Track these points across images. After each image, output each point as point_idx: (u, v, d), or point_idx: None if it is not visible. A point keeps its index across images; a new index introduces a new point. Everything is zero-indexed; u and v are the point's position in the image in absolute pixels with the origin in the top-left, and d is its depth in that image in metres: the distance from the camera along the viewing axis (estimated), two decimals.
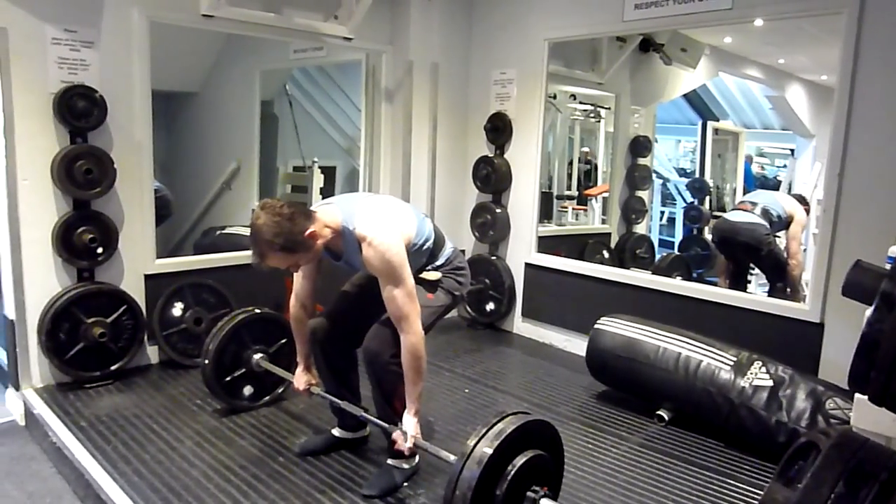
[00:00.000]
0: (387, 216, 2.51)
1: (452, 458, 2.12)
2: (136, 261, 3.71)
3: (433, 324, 2.65)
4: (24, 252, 3.37)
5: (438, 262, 2.70)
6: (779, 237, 5.13)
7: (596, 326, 3.64)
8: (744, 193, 7.38)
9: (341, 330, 2.73)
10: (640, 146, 6.21)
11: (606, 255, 5.88)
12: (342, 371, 2.81)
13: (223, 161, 6.14)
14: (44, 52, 3.28)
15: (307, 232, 2.36)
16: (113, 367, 3.56)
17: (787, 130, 7.80)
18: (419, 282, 2.57)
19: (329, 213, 2.48)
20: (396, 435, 2.47)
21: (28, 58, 3.24)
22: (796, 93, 7.00)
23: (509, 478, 1.96)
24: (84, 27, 3.38)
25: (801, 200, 5.34)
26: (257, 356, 3.22)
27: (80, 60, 3.38)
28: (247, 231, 4.83)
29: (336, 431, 2.95)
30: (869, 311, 1.15)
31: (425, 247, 2.63)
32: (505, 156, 4.88)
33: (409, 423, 2.46)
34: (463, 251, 5.02)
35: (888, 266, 1.47)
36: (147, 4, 3.57)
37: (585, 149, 6.71)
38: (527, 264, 4.82)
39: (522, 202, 4.82)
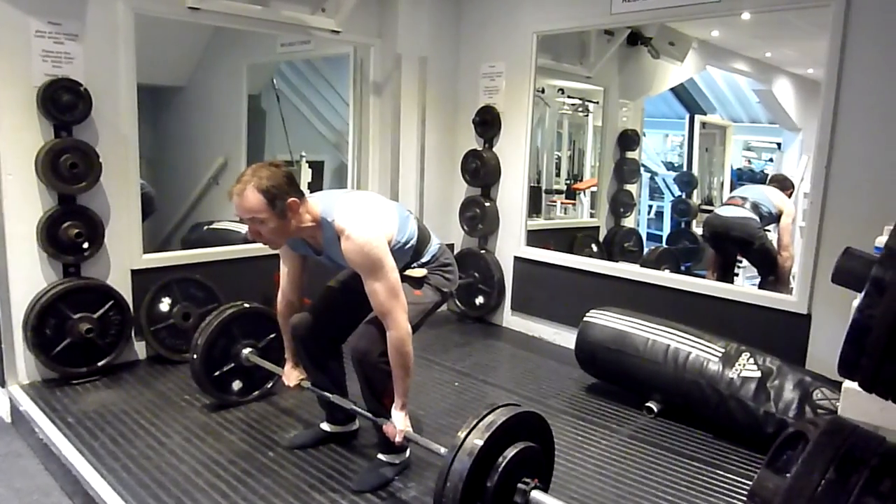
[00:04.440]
0: (366, 211, 2.49)
1: (443, 450, 2.12)
2: (123, 256, 3.68)
3: (422, 321, 2.63)
4: (9, 247, 3.33)
5: (424, 260, 2.68)
6: (769, 231, 5.17)
7: (585, 319, 3.65)
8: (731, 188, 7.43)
9: (324, 325, 2.71)
10: (629, 140, 6.23)
11: (595, 248, 5.90)
12: (326, 366, 2.79)
13: (210, 156, 6.10)
14: (27, 44, 3.24)
15: (291, 199, 2.35)
16: (100, 363, 3.53)
17: (773, 124, 7.84)
18: (405, 279, 2.55)
19: (311, 202, 2.47)
20: (387, 427, 2.46)
21: (11, 50, 3.20)
22: (783, 86, 7.04)
23: (500, 469, 1.96)
24: (68, 20, 3.34)
25: (785, 182, 5.38)
26: (246, 351, 3.20)
27: (65, 53, 3.34)
28: (235, 226, 4.81)
29: (325, 426, 2.94)
30: (858, 298, 1.15)
31: (408, 246, 2.60)
32: (494, 149, 4.88)
33: (398, 417, 2.46)
34: (452, 245, 5.06)
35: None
36: None
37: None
38: (516, 258, 4.82)
39: (511, 196, 4.82)
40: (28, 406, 3.20)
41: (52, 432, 2.95)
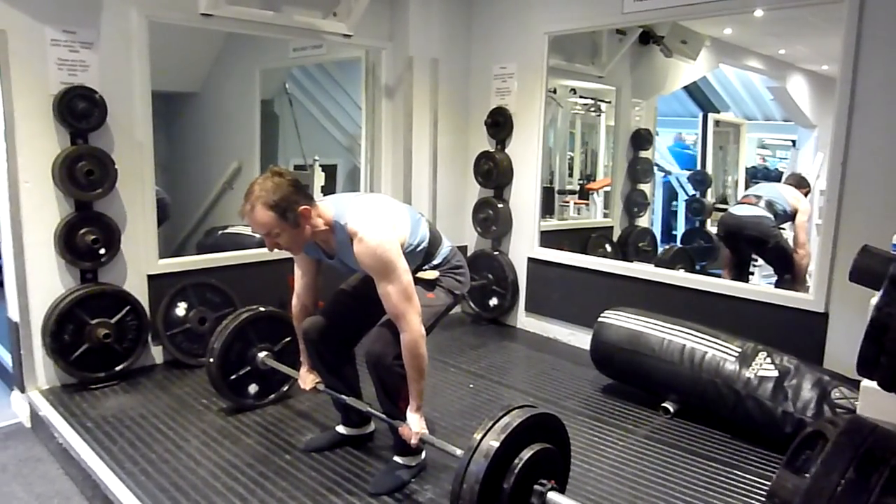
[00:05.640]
0: (379, 213, 2.49)
1: (459, 452, 2.12)
2: (139, 261, 3.71)
3: (434, 324, 2.63)
4: (27, 254, 3.36)
5: (435, 262, 2.68)
6: (783, 229, 5.13)
7: (600, 320, 3.63)
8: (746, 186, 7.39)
9: (335, 329, 2.72)
10: (642, 139, 6.20)
11: (609, 248, 5.88)
12: (338, 370, 2.80)
13: (224, 161, 6.14)
14: (43, 53, 3.28)
15: (302, 207, 2.35)
16: (118, 368, 3.56)
17: (788, 121, 7.79)
18: (417, 281, 2.55)
19: (322, 206, 2.48)
20: (403, 429, 2.46)
21: (28, 60, 3.24)
22: (797, 83, 6.99)
23: (516, 471, 1.95)
24: (83, 28, 3.38)
25: (802, 182, 5.34)
26: (262, 354, 3.21)
27: (80, 61, 3.38)
28: (249, 231, 4.85)
29: (341, 428, 2.95)
30: (877, 296, 1.14)
31: (420, 248, 2.60)
32: (506, 151, 4.87)
33: (413, 419, 2.46)
34: (465, 247, 5.06)
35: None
36: (146, 4, 3.56)
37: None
38: (530, 259, 4.81)
39: (524, 197, 4.81)
40: (47, 411, 3.24)
41: (71, 437, 2.98)
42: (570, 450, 2.27)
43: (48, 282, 3.43)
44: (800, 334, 3.38)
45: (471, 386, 3.73)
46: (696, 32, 5.78)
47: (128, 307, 3.58)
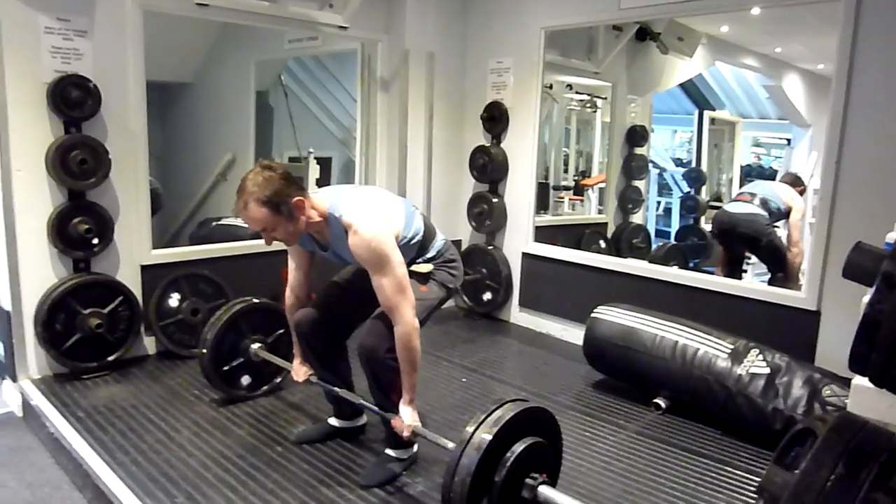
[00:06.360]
0: (374, 206, 2.49)
1: (451, 445, 2.12)
2: (132, 251, 3.70)
3: (427, 317, 2.63)
4: (20, 243, 3.35)
5: (429, 255, 2.68)
6: (777, 227, 5.15)
7: (593, 315, 3.64)
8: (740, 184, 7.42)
9: (327, 322, 2.71)
10: (637, 136, 6.20)
11: (603, 244, 5.90)
12: (330, 362, 2.80)
13: (219, 152, 6.12)
14: (37, 41, 3.25)
15: (296, 199, 2.34)
16: (110, 358, 3.55)
17: (783, 120, 7.81)
18: (411, 275, 2.54)
19: (317, 198, 2.47)
20: (395, 421, 2.47)
21: (21, 47, 3.21)
22: (793, 82, 7.01)
23: (508, 464, 1.95)
24: (77, 16, 3.35)
25: (797, 181, 5.36)
26: (255, 346, 3.21)
27: (74, 50, 3.35)
28: (243, 222, 4.84)
29: (332, 420, 2.95)
30: (869, 292, 1.15)
31: (414, 241, 2.60)
32: (501, 145, 4.87)
33: (406, 412, 2.46)
34: (459, 241, 5.06)
35: None
36: None
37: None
38: (524, 254, 4.82)
39: (519, 192, 4.81)
40: (39, 400, 3.23)
41: (62, 426, 2.97)
42: (562, 444, 2.28)
43: (40, 271, 3.42)
44: (792, 332, 3.39)
45: (463, 380, 3.73)
46: (693, 30, 5.79)
47: (120, 297, 3.56)
